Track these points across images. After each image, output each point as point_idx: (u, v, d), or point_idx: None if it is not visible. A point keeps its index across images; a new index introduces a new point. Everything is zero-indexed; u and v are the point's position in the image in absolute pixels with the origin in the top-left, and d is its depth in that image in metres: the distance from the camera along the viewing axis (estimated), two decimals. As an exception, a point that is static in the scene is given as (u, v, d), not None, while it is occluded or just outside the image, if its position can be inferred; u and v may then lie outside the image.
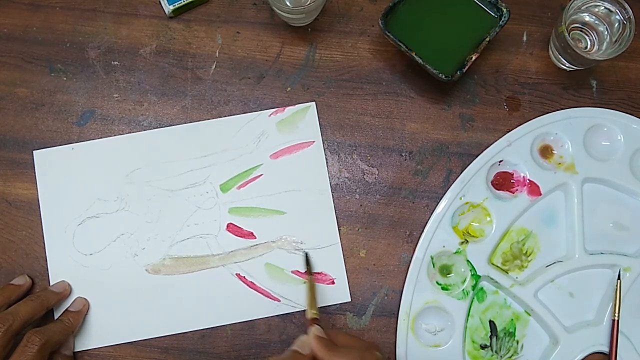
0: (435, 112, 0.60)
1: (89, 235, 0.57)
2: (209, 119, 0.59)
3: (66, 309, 0.55)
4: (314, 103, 0.60)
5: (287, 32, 0.61)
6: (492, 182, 0.59)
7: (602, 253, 0.57)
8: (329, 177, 0.59)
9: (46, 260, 0.57)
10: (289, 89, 0.60)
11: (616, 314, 0.55)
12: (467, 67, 0.56)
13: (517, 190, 0.58)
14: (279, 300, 0.56)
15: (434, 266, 0.57)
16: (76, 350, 0.55)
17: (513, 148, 0.58)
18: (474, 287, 0.56)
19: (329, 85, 0.60)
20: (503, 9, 0.57)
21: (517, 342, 0.56)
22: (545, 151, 0.59)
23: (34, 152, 0.58)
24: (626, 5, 0.56)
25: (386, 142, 0.60)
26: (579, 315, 0.57)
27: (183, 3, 0.60)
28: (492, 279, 0.56)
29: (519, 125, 0.59)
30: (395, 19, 0.57)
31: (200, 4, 0.61)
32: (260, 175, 0.59)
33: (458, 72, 0.55)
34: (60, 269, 0.57)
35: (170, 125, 0.59)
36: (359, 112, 0.60)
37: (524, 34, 0.62)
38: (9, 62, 0.60)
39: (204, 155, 0.59)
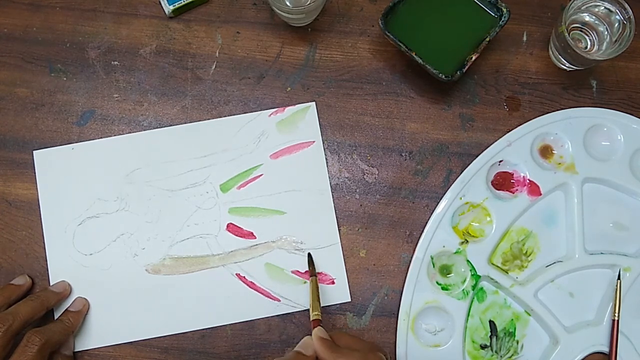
0: (435, 112, 0.60)
1: (89, 235, 0.57)
2: (209, 119, 0.59)
3: (66, 309, 0.55)
4: (314, 103, 0.60)
5: (287, 32, 0.61)
6: (492, 182, 0.59)
7: (602, 253, 0.57)
8: (329, 177, 0.59)
9: (46, 260, 0.57)
10: (289, 89, 0.60)
11: (616, 314, 0.55)
12: (467, 67, 0.56)
13: (517, 190, 0.58)
14: (279, 300, 0.56)
15: (434, 266, 0.57)
16: (76, 350, 0.55)
17: (513, 148, 0.58)
18: (474, 287, 0.56)
19: (329, 85, 0.60)
20: (503, 9, 0.57)
21: (517, 342, 0.56)
22: (545, 151, 0.59)
23: (34, 152, 0.58)
24: (626, 5, 0.56)
25: (386, 142, 0.60)
26: (579, 315, 0.57)
27: (183, 3, 0.60)
28: (492, 279, 0.56)
29: (519, 125, 0.59)
30: (395, 19, 0.57)
31: (200, 4, 0.61)
32: (260, 175, 0.59)
33: (458, 72, 0.55)
34: (60, 269, 0.57)
35: (170, 125, 0.59)
36: (359, 112, 0.60)
37: (524, 34, 0.62)
38: (9, 62, 0.60)
39: (204, 155, 0.59)
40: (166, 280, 0.57)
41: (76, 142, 0.59)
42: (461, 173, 0.58)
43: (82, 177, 0.58)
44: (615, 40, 0.57)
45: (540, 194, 0.58)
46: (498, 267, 0.57)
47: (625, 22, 0.56)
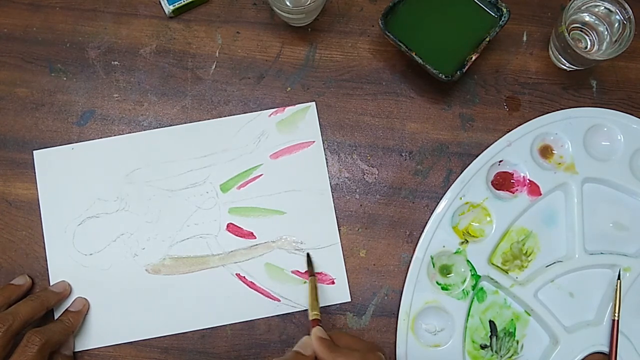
0: (435, 112, 0.60)
1: (89, 235, 0.57)
2: (209, 119, 0.59)
3: (66, 309, 0.55)
4: (314, 103, 0.60)
5: (287, 32, 0.61)
6: (492, 182, 0.59)
7: (602, 253, 0.57)
8: (329, 177, 0.59)
9: (46, 260, 0.57)
10: (289, 89, 0.60)
11: (616, 314, 0.55)
12: (467, 67, 0.56)
13: (517, 190, 0.58)
14: (279, 300, 0.56)
15: (434, 266, 0.57)
16: (76, 350, 0.55)
17: (513, 148, 0.58)
18: (474, 287, 0.56)
19: (329, 85, 0.60)
20: (503, 9, 0.57)
21: (517, 342, 0.56)
22: (545, 151, 0.59)
23: (34, 152, 0.58)
24: (626, 5, 0.56)
25: (386, 142, 0.60)
26: (579, 315, 0.57)
27: (183, 3, 0.60)
28: (492, 279, 0.56)
29: (519, 125, 0.59)
30: (395, 19, 0.57)
31: (200, 4, 0.61)
32: (260, 175, 0.59)
33: (458, 72, 0.55)
34: (60, 269, 0.57)
35: (170, 125, 0.59)
36: (359, 112, 0.60)
37: (524, 34, 0.62)
38: (9, 62, 0.60)
39: (204, 155, 0.59)
40: (166, 280, 0.57)
41: (76, 142, 0.59)
42: (461, 173, 0.58)
43: (82, 177, 0.58)
44: (615, 40, 0.57)
45: (540, 194, 0.58)
46: (498, 267, 0.57)
47: (625, 22, 0.56)
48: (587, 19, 0.59)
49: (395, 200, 0.59)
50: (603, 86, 0.61)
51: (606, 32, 0.58)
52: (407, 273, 0.57)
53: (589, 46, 0.60)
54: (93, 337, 0.56)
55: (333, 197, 0.58)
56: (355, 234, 0.58)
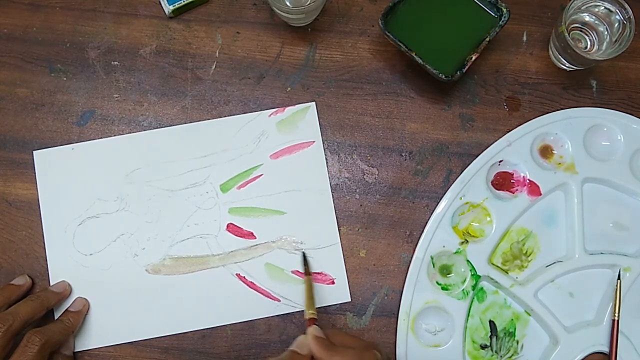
0: (435, 112, 0.60)
1: (89, 235, 0.57)
2: (209, 119, 0.59)
3: (66, 309, 0.55)
4: (314, 103, 0.60)
5: (287, 32, 0.61)
6: (492, 182, 0.59)
7: (602, 253, 0.57)
8: (329, 177, 0.59)
9: (46, 260, 0.57)
10: (289, 89, 0.60)
11: (616, 314, 0.55)
12: (467, 67, 0.56)
13: (517, 190, 0.58)
14: (279, 300, 0.56)
15: (434, 266, 0.57)
16: (76, 350, 0.55)
17: (513, 148, 0.58)
18: (474, 287, 0.56)
19: (329, 85, 0.60)
20: (503, 9, 0.57)
21: (517, 342, 0.56)
22: (545, 151, 0.59)
23: (34, 152, 0.58)
24: (626, 5, 0.56)
25: (386, 142, 0.60)
26: (579, 315, 0.57)
27: (183, 3, 0.60)
28: (492, 279, 0.56)
29: (519, 125, 0.59)
30: (395, 19, 0.57)
31: (200, 4, 0.61)
32: (260, 175, 0.59)
33: (458, 72, 0.55)
34: (60, 269, 0.57)
35: (170, 125, 0.59)
36: (359, 112, 0.60)
37: (524, 34, 0.62)
38: (9, 62, 0.60)
39: (204, 155, 0.59)
40: (166, 280, 0.57)
41: (76, 142, 0.59)
42: (461, 173, 0.58)
43: (82, 177, 0.58)
44: (615, 40, 0.57)
45: (540, 194, 0.58)
46: (498, 267, 0.57)
47: (625, 22, 0.56)
48: (587, 19, 0.59)
49: (395, 200, 0.59)
50: (603, 86, 0.61)
51: (606, 32, 0.58)
52: (407, 273, 0.57)
53: (589, 46, 0.60)
54: (93, 337, 0.56)
55: (333, 197, 0.58)
56: (355, 234, 0.58)
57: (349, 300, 0.57)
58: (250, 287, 0.57)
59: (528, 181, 0.58)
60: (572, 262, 0.57)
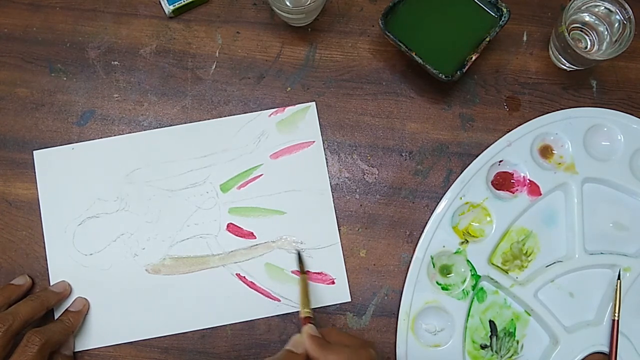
0: (435, 112, 0.60)
1: (89, 235, 0.57)
2: (209, 119, 0.59)
3: (66, 309, 0.55)
4: (314, 103, 0.60)
5: (287, 32, 0.61)
6: (492, 182, 0.59)
7: (602, 253, 0.57)
8: (329, 177, 0.59)
9: (46, 260, 0.57)
10: (289, 89, 0.60)
11: (616, 314, 0.55)
12: (467, 67, 0.56)
13: (517, 190, 0.58)
14: (279, 300, 0.56)
15: (434, 266, 0.57)
16: (76, 350, 0.55)
17: (513, 148, 0.58)
18: (474, 287, 0.56)
19: (329, 85, 0.60)
20: (503, 9, 0.57)
21: (517, 342, 0.56)
22: (545, 151, 0.59)
23: (34, 152, 0.58)
24: (626, 5, 0.56)
25: (386, 142, 0.60)
26: (579, 315, 0.57)
27: (183, 3, 0.60)
28: (492, 279, 0.56)
29: (519, 125, 0.59)
30: (395, 19, 0.57)
31: (200, 4, 0.61)
32: (260, 175, 0.59)
33: (458, 72, 0.55)
34: (60, 269, 0.57)
35: (170, 125, 0.59)
36: (359, 112, 0.60)
37: (524, 34, 0.62)
38: (9, 62, 0.60)
39: (204, 155, 0.59)
40: (166, 280, 0.57)
41: (76, 142, 0.59)
42: (461, 173, 0.58)
43: (82, 177, 0.58)
44: (615, 40, 0.57)
45: (540, 194, 0.58)
46: (498, 267, 0.57)
47: (625, 22, 0.56)
48: (587, 19, 0.59)
49: (395, 200, 0.59)
50: (603, 86, 0.61)
51: (606, 32, 0.58)
52: (407, 273, 0.57)
53: (589, 46, 0.60)
54: (93, 337, 0.56)
55: (333, 197, 0.58)
56: (355, 234, 0.58)
57: (349, 300, 0.57)
58: (250, 287, 0.57)
59: (528, 181, 0.58)
60: (572, 262, 0.57)
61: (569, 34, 0.56)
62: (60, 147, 0.59)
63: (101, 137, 0.59)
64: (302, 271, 0.55)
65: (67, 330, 0.53)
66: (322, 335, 0.47)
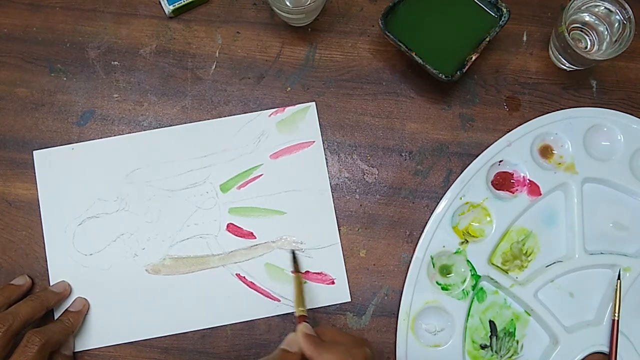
0: (435, 112, 0.60)
1: (89, 235, 0.57)
2: (209, 119, 0.59)
3: (66, 309, 0.55)
4: (314, 103, 0.60)
5: (287, 32, 0.61)
6: (492, 182, 0.59)
7: (602, 253, 0.57)
8: (329, 177, 0.59)
9: (46, 260, 0.57)
10: (289, 89, 0.60)
11: (616, 314, 0.55)
12: (467, 67, 0.56)
13: (517, 190, 0.58)
14: (279, 300, 0.56)
15: (434, 266, 0.57)
16: (76, 350, 0.55)
17: (513, 148, 0.58)
18: (474, 287, 0.56)
19: (329, 85, 0.60)
20: (503, 9, 0.57)
21: (517, 342, 0.56)
22: (545, 151, 0.59)
23: (34, 152, 0.58)
24: (626, 5, 0.56)
25: (386, 142, 0.60)
26: (579, 315, 0.57)
27: (183, 3, 0.60)
28: (492, 279, 0.56)
29: (519, 125, 0.59)
30: (395, 19, 0.57)
31: (200, 4, 0.61)
32: (260, 175, 0.59)
33: (458, 72, 0.55)
34: (60, 269, 0.57)
35: (170, 125, 0.59)
36: (359, 112, 0.60)
37: (524, 34, 0.62)
38: (9, 62, 0.60)
39: (204, 155, 0.59)
40: (166, 280, 0.57)
41: (76, 142, 0.59)
42: (461, 173, 0.58)
43: (82, 177, 0.58)
44: (615, 40, 0.57)
45: (540, 194, 0.58)
46: (498, 267, 0.57)
47: (625, 22, 0.56)
48: (587, 19, 0.59)
49: (395, 200, 0.59)
50: (603, 86, 0.61)
51: (606, 32, 0.58)
52: (407, 273, 0.57)
53: (589, 46, 0.60)
54: (93, 337, 0.56)
55: (333, 197, 0.58)
56: (355, 234, 0.58)
57: (349, 300, 0.57)
58: (250, 287, 0.57)
59: (528, 181, 0.58)
60: (572, 262, 0.57)
61: (569, 34, 0.56)
62: (60, 147, 0.59)
63: (101, 137, 0.59)
64: (297, 270, 0.55)
65: (67, 330, 0.53)
66: (317, 333, 0.47)
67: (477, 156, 0.59)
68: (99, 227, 0.57)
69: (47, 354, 0.50)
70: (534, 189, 0.58)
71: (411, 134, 0.60)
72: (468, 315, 0.56)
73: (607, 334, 0.55)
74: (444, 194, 0.58)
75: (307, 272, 0.57)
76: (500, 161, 0.58)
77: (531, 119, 0.59)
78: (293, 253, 0.57)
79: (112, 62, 0.61)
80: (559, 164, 0.58)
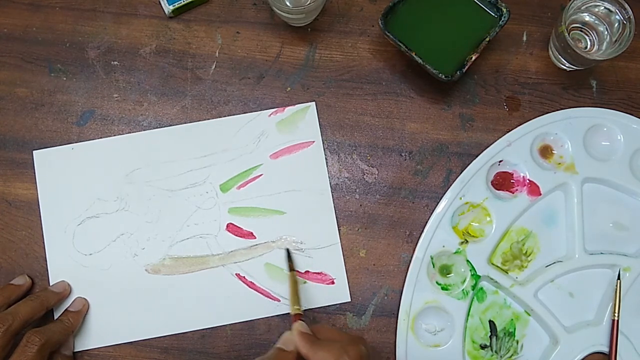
0: (435, 112, 0.60)
1: (89, 235, 0.57)
2: (209, 119, 0.59)
3: (66, 309, 0.55)
4: (313, 103, 0.60)
5: (287, 32, 0.61)
6: (492, 182, 0.59)
7: (602, 253, 0.57)
8: (329, 177, 0.59)
9: (46, 260, 0.57)
10: (289, 89, 0.60)
11: (616, 314, 0.55)
12: (467, 67, 0.56)
13: (517, 190, 0.58)
14: (279, 300, 0.56)
15: (433, 266, 0.57)
16: (76, 350, 0.55)
17: (513, 148, 0.58)
18: (473, 287, 0.56)
19: (329, 85, 0.60)
20: (503, 9, 0.57)
21: (517, 342, 0.56)
22: (545, 151, 0.59)
23: (34, 152, 0.58)
24: (626, 5, 0.56)
25: (386, 142, 0.60)
26: (579, 315, 0.57)
27: (183, 3, 0.60)
28: (492, 279, 0.56)
29: (519, 125, 0.59)
30: (395, 19, 0.57)
31: (200, 4, 0.61)
32: (260, 175, 0.59)
33: (458, 72, 0.55)
34: (60, 269, 0.57)
35: (170, 125, 0.59)
36: (359, 112, 0.60)
37: (524, 34, 0.62)
38: (9, 62, 0.60)
39: (204, 155, 0.59)
40: (166, 280, 0.57)
41: (76, 142, 0.59)
42: (461, 173, 0.58)
43: (82, 177, 0.58)
44: (615, 40, 0.57)
45: (540, 194, 0.58)
46: (498, 267, 0.57)
47: (625, 22, 0.56)
48: (587, 19, 0.59)
49: (395, 200, 0.59)
50: (603, 86, 0.61)
51: (606, 32, 0.58)
52: (407, 273, 0.57)
53: (589, 46, 0.60)
54: (93, 337, 0.56)
55: (333, 197, 0.58)
56: (355, 234, 0.58)
57: (349, 300, 0.57)
58: (250, 287, 0.57)
59: (528, 181, 0.58)
60: (572, 262, 0.57)
61: (569, 34, 0.56)
62: (60, 147, 0.59)
63: (101, 137, 0.59)
64: (291, 268, 0.55)
65: (67, 330, 0.53)
66: (313, 332, 0.47)
67: (477, 156, 0.59)
68: (99, 227, 0.57)
69: (47, 354, 0.50)
70: (533, 189, 0.58)
71: (411, 134, 0.60)
72: (468, 315, 0.56)
73: (607, 334, 0.55)
74: (444, 194, 0.58)
75: (307, 272, 0.57)
76: (500, 161, 0.58)
77: (531, 119, 0.59)
78: (287, 251, 0.57)
79: (112, 62, 0.61)
80: (559, 164, 0.58)
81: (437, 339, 0.56)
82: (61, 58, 0.60)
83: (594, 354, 0.56)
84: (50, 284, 0.56)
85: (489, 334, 0.56)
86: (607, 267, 0.57)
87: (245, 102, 0.60)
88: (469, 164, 0.58)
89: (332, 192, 0.58)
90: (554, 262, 0.57)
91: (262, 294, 0.57)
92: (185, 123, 0.59)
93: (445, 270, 0.57)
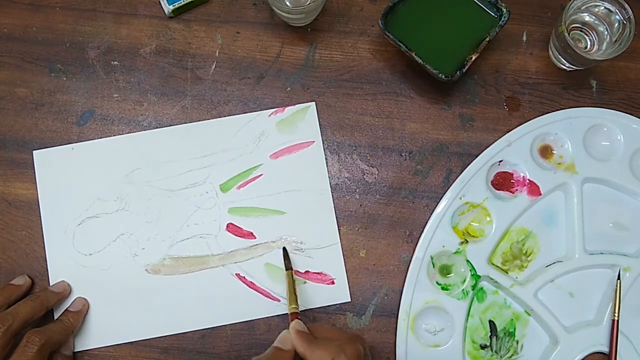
0: (435, 112, 0.60)
1: (89, 235, 0.57)
2: (209, 119, 0.59)
3: (66, 309, 0.55)
4: (313, 103, 0.60)
5: (287, 32, 0.61)
6: (492, 182, 0.59)
7: (602, 253, 0.57)
8: (329, 177, 0.59)
9: (46, 260, 0.57)
10: (289, 89, 0.60)
11: (616, 314, 0.55)
12: (467, 67, 0.56)
13: (517, 190, 0.58)
14: (279, 300, 0.56)
15: (434, 266, 0.57)
16: (76, 350, 0.55)
17: (513, 148, 0.58)
18: (473, 287, 0.56)
19: (329, 85, 0.60)
20: (503, 9, 0.57)
21: (517, 342, 0.56)
22: (545, 151, 0.59)
23: (34, 152, 0.58)
24: (626, 5, 0.56)
25: (386, 142, 0.60)
26: (579, 315, 0.57)
27: (183, 3, 0.60)
28: (492, 279, 0.56)
29: (519, 125, 0.59)
30: (395, 19, 0.57)
31: (200, 4, 0.61)
32: (260, 175, 0.59)
33: (458, 72, 0.55)
34: (60, 269, 0.57)
35: (170, 125, 0.59)
36: (359, 112, 0.60)
37: (524, 34, 0.62)
38: (9, 62, 0.60)
39: (203, 155, 0.59)
40: (166, 280, 0.57)
41: (76, 142, 0.59)
42: (461, 173, 0.58)
43: (82, 177, 0.58)
44: (615, 40, 0.57)
45: (540, 194, 0.58)
46: (498, 267, 0.57)
47: (625, 22, 0.56)
48: (587, 19, 0.59)
49: (395, 200, 0.59)
50: (603, 86, 0.61)
51: (606, 32, 0.58)
52: (407, 273, 0.57)
53: (589, 46, 0.60)
54: (93, 337, 0.56)
55: (333, 197, 0.58)
56: (355, 234, 0.58)
57: (349, 300, 0.57)
58: (250, 287, 0.57)
59: (528, 181, 0.58)
60: (572, 262, 0.57)
61: (568, 34, 0.56)
62: (60, 147, 0.59)
63: (101, 137, 0.59)
64: (288, 267, 0.55)
65: (67, 330, 0.53)
66: (311, 330, 0.47)
67: (477, 156, 0.59)
68: (99, 227, 0.57)
69: (47, 354, 0.50)
70: (533, 189, 0.58)
71: (411, 134, 0.60)
72: (468, 315, 0.56)
73: (607, 334, 0.55)
74: (444, 194, 0.58)
75: (307, 272, 0.57)
76: (500, 161, 0.58)
77: (531, 119, 0.59)
78: (284, 250, 0.57)
79: (112, 62, 0.61)
80: (559, 164, 0.58)
81: (437, 339, 0.56)
82: (61, 58, 0.60)
83: (594, 354, 0.56)
84: (50, 284, 0.56)
85: (489, 334, 0.56)
86: (607, 267, 0.57)
87: (245, 102, 0.60)
88: (469, 164, 0.58)
89: (332, 192, 0.58)
90: (554, 262, 0.57)
91: (262, 294, 0.57)
92: (185, 123, 0.59)
93: (445, 270, 0.57)
